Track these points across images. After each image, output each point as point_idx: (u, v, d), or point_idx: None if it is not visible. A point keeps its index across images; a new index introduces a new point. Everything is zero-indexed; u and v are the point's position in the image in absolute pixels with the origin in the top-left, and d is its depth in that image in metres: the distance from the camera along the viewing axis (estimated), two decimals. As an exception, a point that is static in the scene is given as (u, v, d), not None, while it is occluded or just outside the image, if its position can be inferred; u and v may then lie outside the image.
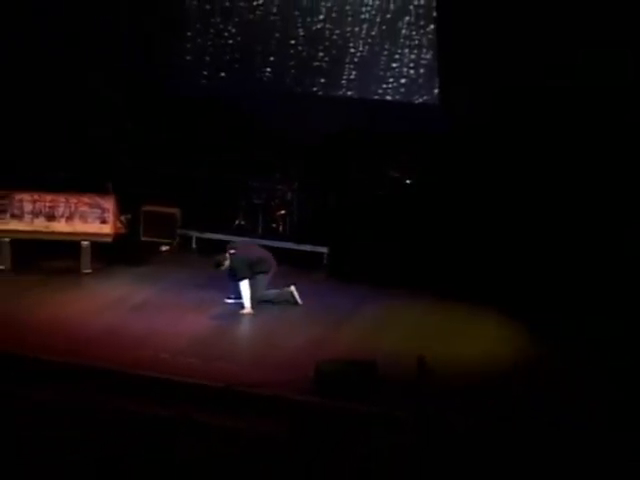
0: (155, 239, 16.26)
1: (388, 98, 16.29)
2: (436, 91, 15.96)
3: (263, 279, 13.90)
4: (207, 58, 17.09)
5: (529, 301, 13.74)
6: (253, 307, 13.73)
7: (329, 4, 16.30)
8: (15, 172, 15.68)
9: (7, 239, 15.04)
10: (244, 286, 13.66)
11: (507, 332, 13.22)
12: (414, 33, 16.03)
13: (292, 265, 15.07)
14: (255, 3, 16.66)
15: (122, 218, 15.59)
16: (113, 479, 9.55)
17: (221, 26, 16.90)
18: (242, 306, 13.72)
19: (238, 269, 13.71)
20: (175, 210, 16.34)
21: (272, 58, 16.75)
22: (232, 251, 13.83)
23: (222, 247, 14.13)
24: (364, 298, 14.27)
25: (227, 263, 13.74)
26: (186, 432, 10.30)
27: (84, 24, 16.81)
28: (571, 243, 14.34)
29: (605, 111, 14.52)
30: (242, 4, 16.74)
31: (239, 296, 13.78)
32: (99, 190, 15.44)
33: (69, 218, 15.19)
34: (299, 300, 13.97)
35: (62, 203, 15.20)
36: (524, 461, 9.86)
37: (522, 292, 13.87)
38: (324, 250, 15.68)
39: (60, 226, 15.22)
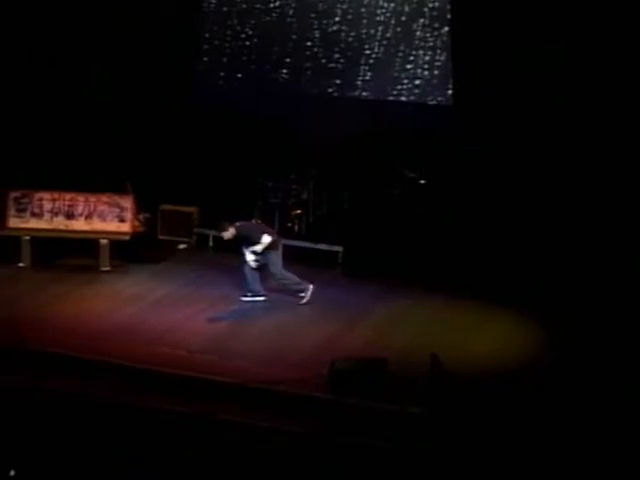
0: (173, 237, 16.42)
1: (402, 99, 16.41)
2: (450, 92, 16.09)
3: (277, 256, 14.01)
4: (224, 59, 17.24)
5: (541, 300, 13.79)
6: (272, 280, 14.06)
7: (345, 6, 16.45)
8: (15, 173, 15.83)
9: (27, 237, 15.15)
10: (260, 247, 13.79)
11: (519, 330, 13.25)
12: (428, 35, 16.16)
13: (307, 264, 15.12)
14: (272, 5, 16.82)
15: (140, 217, 15.72)
16: (127, 474, 9.71)
17: (238, 28, 17.03)
18: (258, 303, 13.92)
19: (249, 235, 13.90)
20: (192, 209, 16.50)
21: (288, 60, 16.89)
22: (238, 224, 14.01)
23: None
24: (377, 296, 14.34)
25: (231, 231, 13.90)
26: (201, 428, 10.42)
27: (85, 24, 16.82)
28: (578, 243, 14.43)
29: (614, 118, 14.59)
30: (259, 6, 16.88)
31: (256, 294, 13.98)
32: (108, 189, 15.54)
33: (88, 217, 15.33)
34: (308, 298, 14.01)
35: (81, 202, 15.36)
36: (525, 460, 9.94)
37: (534, 291, 13.92)
38: (339, 249, 15.78)
39: (79, 224, 15.36)
